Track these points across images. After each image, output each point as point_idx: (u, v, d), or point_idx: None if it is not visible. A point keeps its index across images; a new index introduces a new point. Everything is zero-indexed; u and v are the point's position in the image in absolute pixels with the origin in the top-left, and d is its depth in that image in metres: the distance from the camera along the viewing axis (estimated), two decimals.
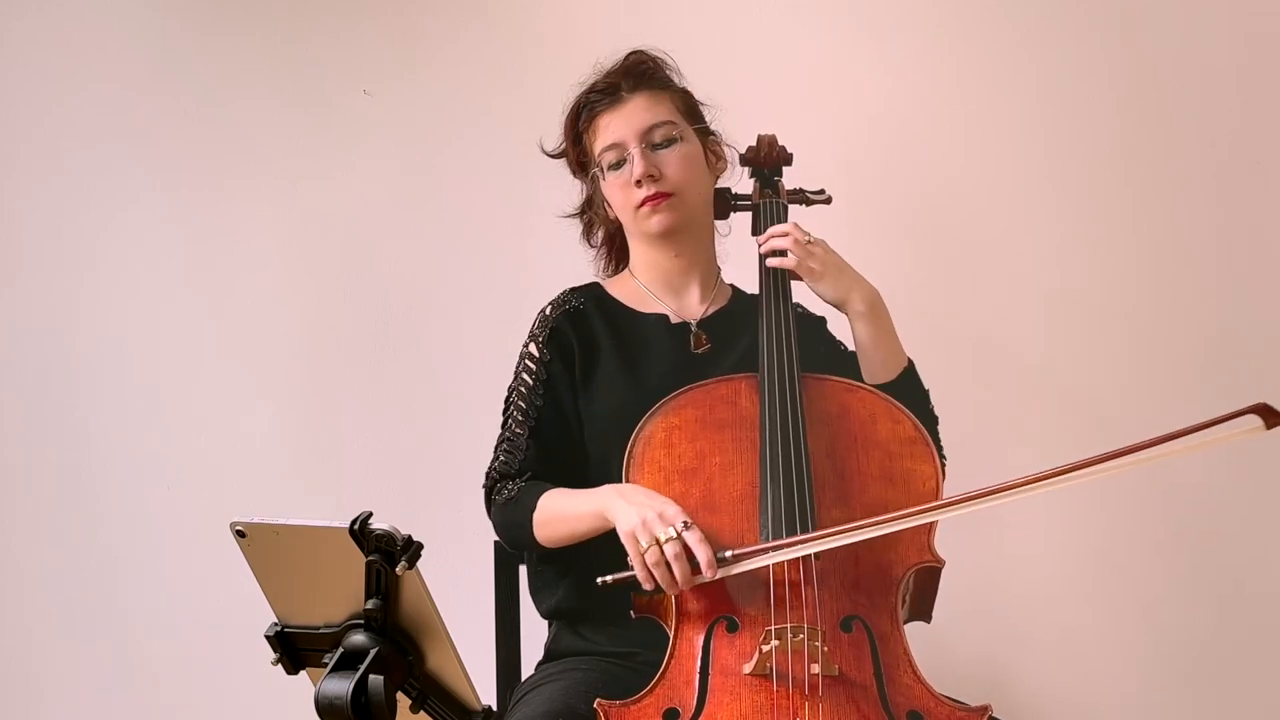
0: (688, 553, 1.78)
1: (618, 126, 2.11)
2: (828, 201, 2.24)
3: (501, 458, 2.10)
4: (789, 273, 2.09)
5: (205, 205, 2.96)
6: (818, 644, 1.72)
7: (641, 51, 2.19)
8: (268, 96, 2.96)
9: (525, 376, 2.12)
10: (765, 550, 1.79)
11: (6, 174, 2.99)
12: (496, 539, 2.29)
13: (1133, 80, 2.87)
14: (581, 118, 2.17)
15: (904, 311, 2.76)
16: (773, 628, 1.74)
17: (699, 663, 1.76)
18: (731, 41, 2.87)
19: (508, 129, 2.86)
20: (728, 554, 1.79)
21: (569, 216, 2.29)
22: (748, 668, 1.73)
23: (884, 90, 2.89)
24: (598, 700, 1.74)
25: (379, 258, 2.93)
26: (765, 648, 1.72)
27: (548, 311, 2.17)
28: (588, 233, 2.29)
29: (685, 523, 1.79)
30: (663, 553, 1.78)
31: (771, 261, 2.08)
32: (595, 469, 2.04)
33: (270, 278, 2.94)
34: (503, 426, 2.13)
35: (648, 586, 1.80)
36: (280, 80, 2.96)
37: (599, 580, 1.83)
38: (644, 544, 1.79)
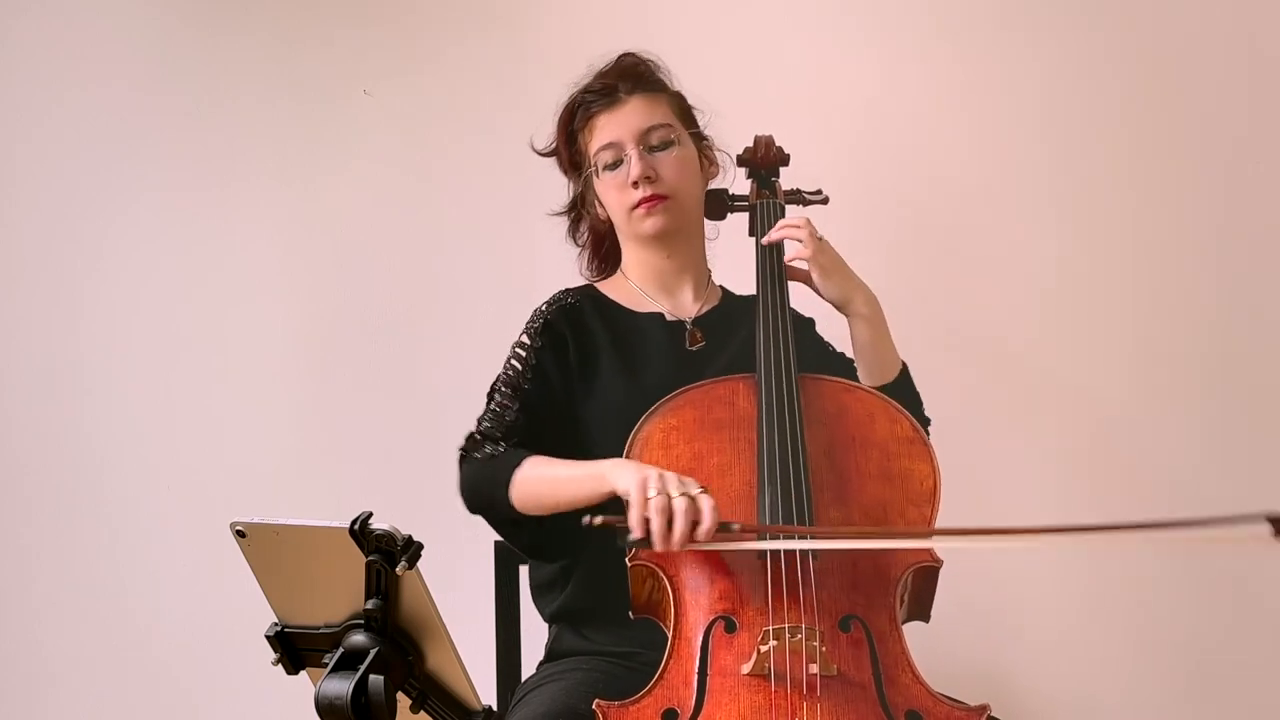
0: (695, 513, 1.75)
1: (615, 127, 2.12)
2: (824, 202, 2.25)
3: (487, 422, 2.07)
4: (788, 272, 2.10)
5: (205, 205, 2.96)
6: (815, 644, 1.71)
7: (634, 54, 2.19)
8: (268, 96, 2.96)
9: (514, 363, 2.11)
10: (764, 532, 1.79)
11: (6, 174, 2.99)
12: (497, 539, 2.28)
13: (1132, 81, 2.88)
14: (577, 117, 2.17)
15: (901, 311, 2.76)
16: (771, 628, 1.73)
17: (697, 663, 1.75)
18: (729, 43, 2.87)
19: (508, 129, 2.85)
20: (735, 526, 1.78)
21: (557, 215, 2.29)
22: (746, 668, 1.72)
23: (881, 90, 2.90)
24: (596, 701, 1.74)
25: (379, 258, 2.93)
26: (764, 648, 1.72)
27: (542, 308, 2.18)
28: (573, 230, 2.29)
29: (704, 489, 1.78)
30: (670, 503, 1.75)
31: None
32: None
33: (270, 277, 2.94)
34: (487, 402, 2.11)
35: (637, 534, 1.76)
36: (280, 80, 2.96)
37: (585, 520, 1.77)
38: (652, 491, 1.76)
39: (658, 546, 1.76)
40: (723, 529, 1.77)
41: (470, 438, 2.06)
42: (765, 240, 2.12)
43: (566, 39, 2.82)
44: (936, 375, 2.50)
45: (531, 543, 2.07)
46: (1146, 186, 2.86)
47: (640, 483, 1.78)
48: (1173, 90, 2.87)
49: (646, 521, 1.76)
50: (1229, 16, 2.86)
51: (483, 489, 2.01)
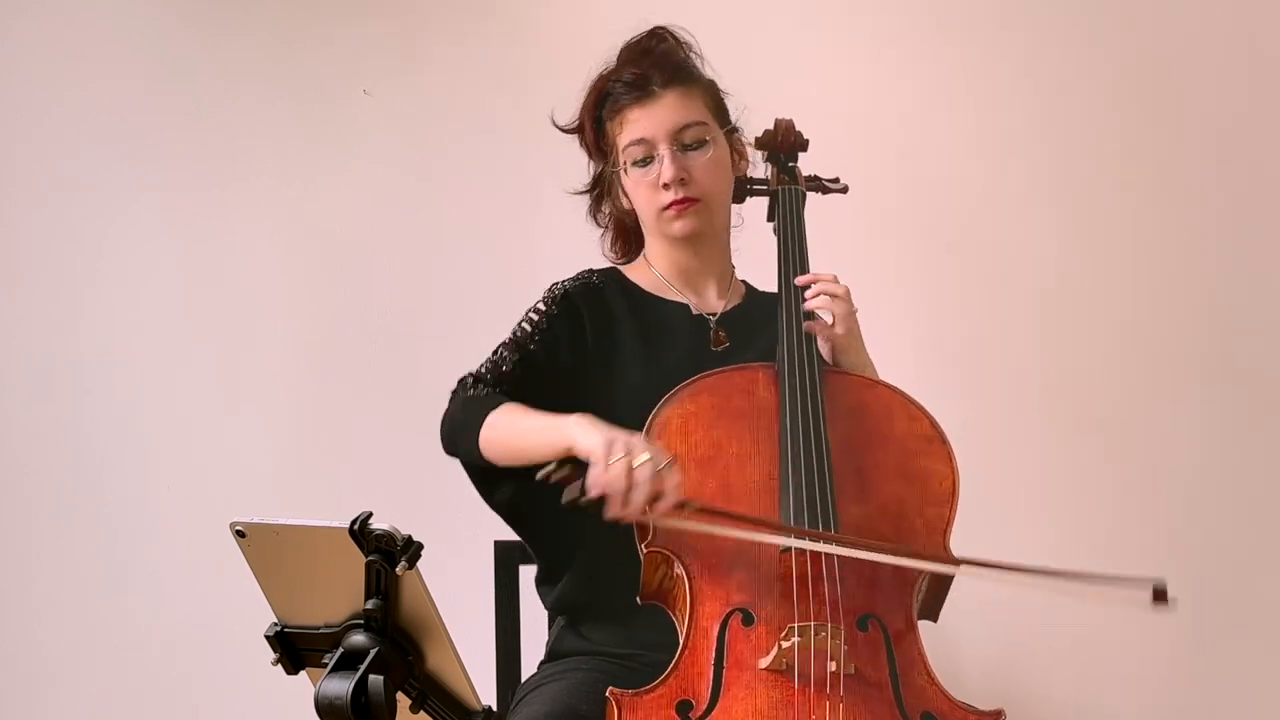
0: (659, 485, 1.72)
1: (647, 123, 2.04)
2: (844, 190, 2.19)
3: (485, 367, 2.04)
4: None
5: (205, 205, 2.96)
6: (839, 642, 1.70)
7: (666, 32, 2.13)
8: (268, 96, 2.96)
9: (524, 325, 2.07)
10: (730, 520, 1.76)
11: (6, 174, 2.99)
12: (497, 539, 2.29)
13: (1133, 81, 2.88)
14: (606, 105, 2.09)
15: (901, 311, 2.77)
16: (796, 624, 1.71)
17: (713, 655, 1.73)
18: (728, 42, 2.85)
19: (508, 129, 2.87)
20: (693, 505, 1.75)
21: (579, 193, 2.22)
22: (764, 662, 1.70)
23: (879, 91, 2.89)
24: (610, 689, 1.71)
25: (379, 258, 2.93)
26: (785, 643, 1.69)
27: (564, 281, 2.13)
28: (595, 209, 2.22)
29: (670, 462, 1.75)
30: (632, 470, 1.71)
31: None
32: None
33: (270, 277, 2.94)
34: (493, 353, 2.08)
35: (593, 494, 1.72)
36: (280, 80, 2.97)
37: (540, 474, 1.73)
38: (615, 455, 1.72)
39: (613, 512, 1.73)
40: (683, 505, 1.73)
41: (462, 378, 2.04)
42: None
43: (567, 39, 2.82)
44: (936, 375, 2.50)
45: (510, 501, 2.02)
46: (1146, 186, 2.86)
47: (605, 444, 1.74)
48: (1173, 90, 2.87)
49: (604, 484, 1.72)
50: (1229, 16, 2.86)
51: (456, 432, 1.98)
